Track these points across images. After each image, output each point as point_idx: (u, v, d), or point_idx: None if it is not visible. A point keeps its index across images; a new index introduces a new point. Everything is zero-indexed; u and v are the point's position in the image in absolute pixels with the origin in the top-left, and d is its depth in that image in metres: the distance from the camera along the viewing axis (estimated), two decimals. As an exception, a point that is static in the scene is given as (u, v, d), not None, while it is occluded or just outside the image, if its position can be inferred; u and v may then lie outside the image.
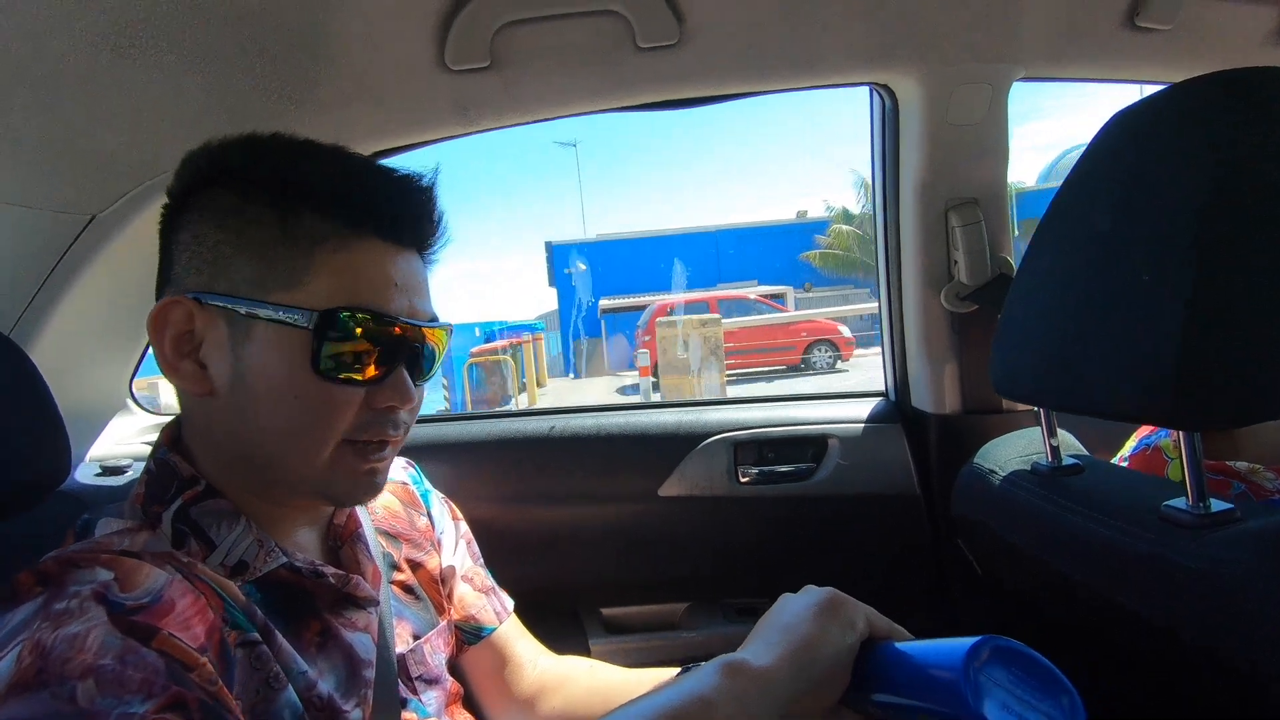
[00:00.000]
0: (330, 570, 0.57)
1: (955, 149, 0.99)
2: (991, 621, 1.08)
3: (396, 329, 0.55)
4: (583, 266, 17.32)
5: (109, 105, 0.75)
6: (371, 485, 0.58)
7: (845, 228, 18.02)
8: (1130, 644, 0.64)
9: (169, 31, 0.68)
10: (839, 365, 11.76)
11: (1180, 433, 0.54)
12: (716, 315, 9.63)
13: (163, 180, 0.62)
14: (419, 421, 1.24)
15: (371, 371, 0.54)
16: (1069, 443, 0.80)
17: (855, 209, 18.74)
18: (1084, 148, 0.65)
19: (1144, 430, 0.87)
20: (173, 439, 0.57)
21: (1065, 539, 0.66)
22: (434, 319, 0.59)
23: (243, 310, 0.52)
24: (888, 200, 1.09)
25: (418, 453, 1.10)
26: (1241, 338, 0.49)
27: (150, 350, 0.98)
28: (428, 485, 0.81)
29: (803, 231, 19.08)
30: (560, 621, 1.15)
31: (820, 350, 11.59)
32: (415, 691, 0.65)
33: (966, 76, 0.93)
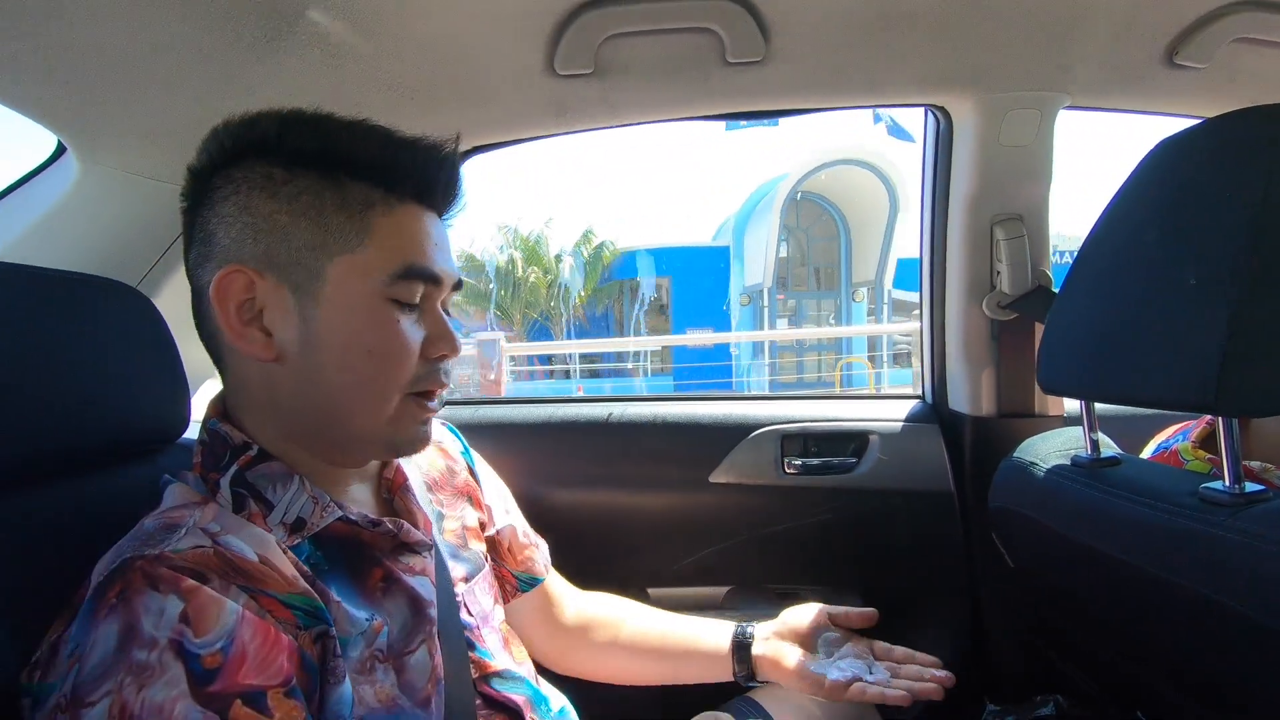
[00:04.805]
0: (385, 519, 0.61)
1: (1004, 168, 1.07)
2: (1016, 610, 1.15)
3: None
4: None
5: (248, 94, 0.83)
6: (426, 435, 0.63)
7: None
8: (1170, 616, 0.70)
9: (317, 29, 0.76)
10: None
11: (1220, 421, 0.61)
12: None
13: None
14: (485, 403, 1.32)
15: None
16: (1104, 440, 0.87)
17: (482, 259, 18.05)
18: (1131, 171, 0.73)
19: (1160, 436, 0.93)
20: (220, 411, 0.60)
21: (1111, 522, 0.71)
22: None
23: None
24: (935, 214, 1.17)
25: (483, 432, 1.17)
26: None
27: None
28: (466, 443, 0.86)
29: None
30: (610, 597, 1.21)
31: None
32: (473, 630, 0.70)
33: (1018, 103, 1.02)
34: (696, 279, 14.95)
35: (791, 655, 0.81)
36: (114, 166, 0.87)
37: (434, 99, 0.90)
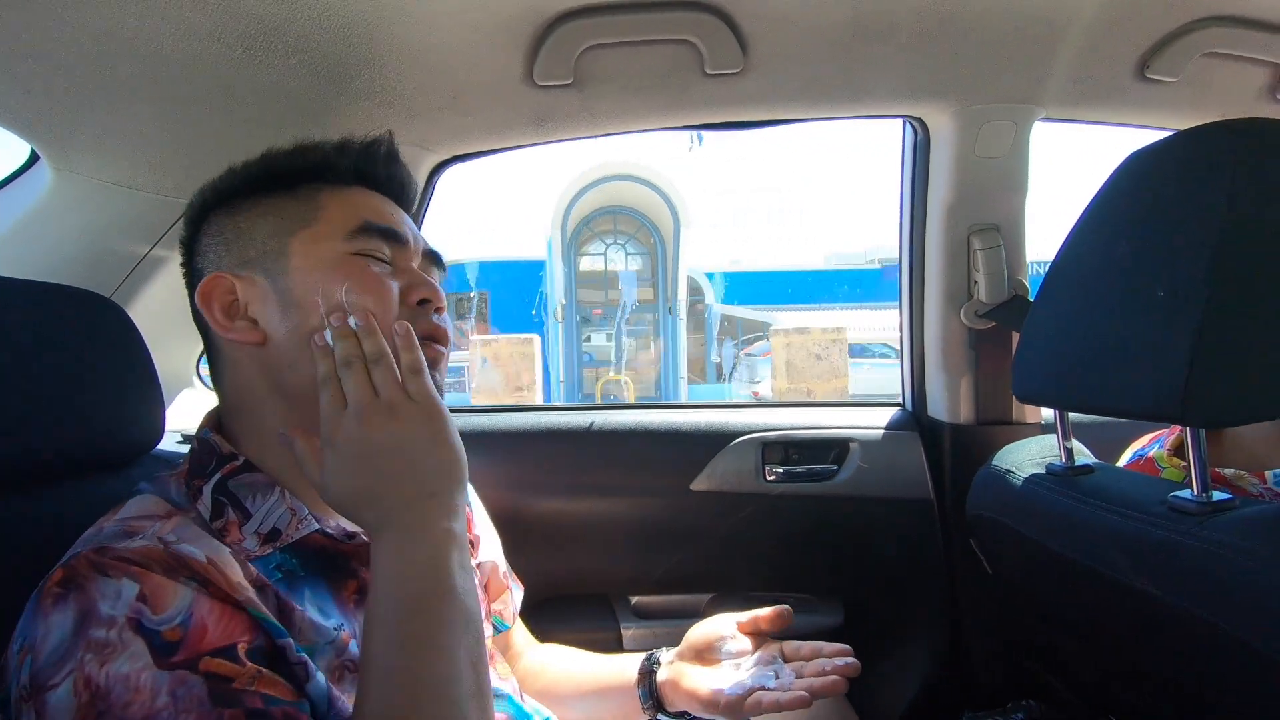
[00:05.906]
0: (360, 531, 0.60)
1: (980, 179, 1.08)
2: (994, 616, 1.15)
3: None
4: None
5: (227, 103, 0.82)
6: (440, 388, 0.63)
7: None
8: (1141, 623, 0.71)
9: (296, 38, 0.76)
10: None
11: (1187, 431, 0.62)
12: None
13: None
14: (465, 412, 1.31)
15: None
16: (1078, 448, 0.88)
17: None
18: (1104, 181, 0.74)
19: (1138, 443, 0.95)
20: (214, 423, 0.62)
21: (1081, 530, 0.72)
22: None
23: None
24: (914, 224, 1.18)
25: (464, 441, 1.16)
26: (1245, 347, 0.57)
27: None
28: None
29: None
30: (593, 606, 1.21)
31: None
32: None
33: (994, 115, 1.03)
34: (514, 292, 14.78)
35: (689, 676, 0.76)
36: (88, 175, 0.86)
37: (413, 108, 0.90)
